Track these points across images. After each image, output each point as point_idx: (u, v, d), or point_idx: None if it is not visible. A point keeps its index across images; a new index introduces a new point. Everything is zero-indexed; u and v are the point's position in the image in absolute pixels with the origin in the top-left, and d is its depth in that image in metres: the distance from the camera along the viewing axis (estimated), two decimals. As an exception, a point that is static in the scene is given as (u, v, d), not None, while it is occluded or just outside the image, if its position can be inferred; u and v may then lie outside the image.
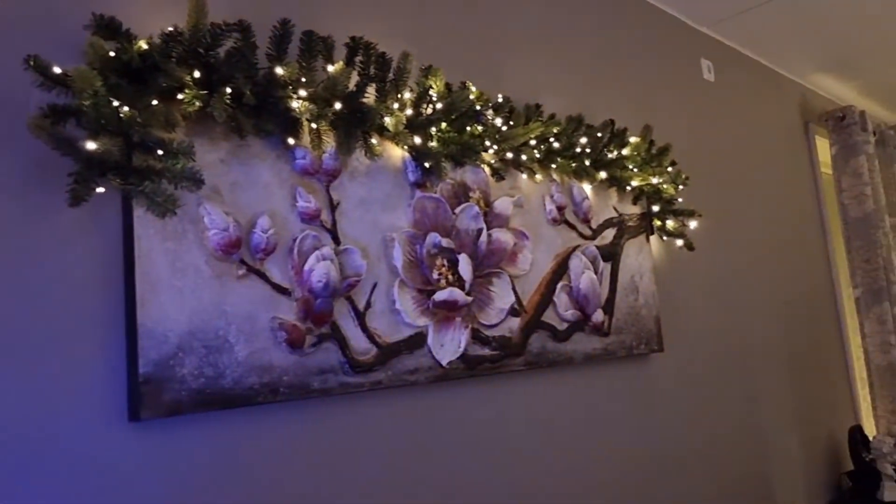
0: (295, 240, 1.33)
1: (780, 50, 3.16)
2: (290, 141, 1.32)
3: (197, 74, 1.16)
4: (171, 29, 1.15)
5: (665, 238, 2.30)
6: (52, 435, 1.04)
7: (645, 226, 2.19)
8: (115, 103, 1.05)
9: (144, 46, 1.10)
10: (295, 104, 1.28)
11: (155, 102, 1.09)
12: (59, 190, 1.06)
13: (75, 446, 1.06)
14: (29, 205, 1.06)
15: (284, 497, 1.28)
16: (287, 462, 1.29)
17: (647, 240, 2.20)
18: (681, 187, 2.27)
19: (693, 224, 2.31)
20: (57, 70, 1.03)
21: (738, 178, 2.85)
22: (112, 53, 1.07)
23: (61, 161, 1.05)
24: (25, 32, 1.09)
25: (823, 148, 3.54)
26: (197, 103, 1.15)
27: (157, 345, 1.12)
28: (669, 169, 2.24)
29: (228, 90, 1.18)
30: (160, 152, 1.10)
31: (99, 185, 1.07)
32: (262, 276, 1.28)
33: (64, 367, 1.07)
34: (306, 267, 1.33)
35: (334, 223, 1.40)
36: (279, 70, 1.25)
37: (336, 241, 1.40)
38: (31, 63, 1.01)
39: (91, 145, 1.02)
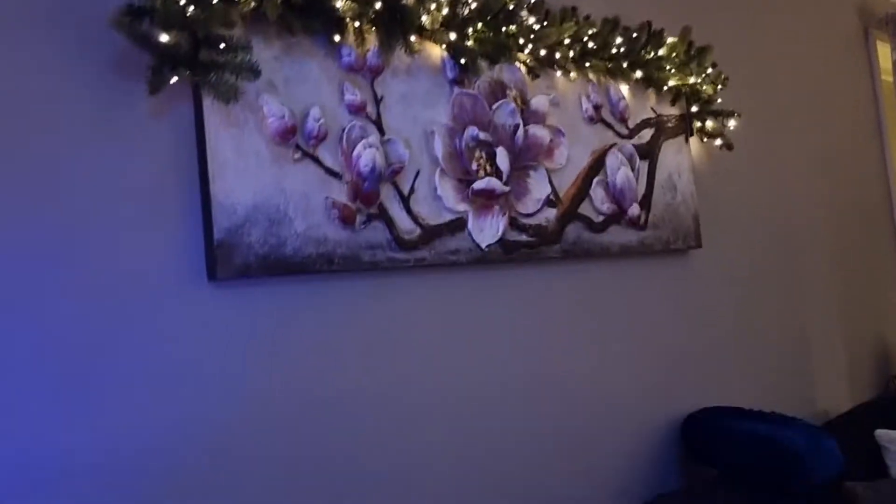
0: (343, 129, 1.49)
1: (836, -50, 3.08)
2: (336, 38, 1.46)
3: (251, -23, 1.31)
4: (227, -64, 1.30)
5: (705, 140, 2.35)
6: (145, 293, 1.25)
7: (684, 126, 2.26)
8: (182, 2, 1.21)
9: (205, -48, 1.25)
10: (338, 4, 1.41)
11: (215, 2, 1.25)
12: (139, 83, 1.24)
13: (165, 301, 1.27)
14: (115, 96, 1.25)
15: (334, 360, 1.47)
16: (339, 329, 1.48)
17: (686, 140, 2.26)
18: (720, 88, 2.31)
19: (732, 124, 2.36)
20: (132, -26, 1.19)
21: (789, 83, 2.83)
22: (178, -41, 1.23)
23: (140, 58, 1.23)
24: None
25: (885, 54, 3.45)
26: (252, 3, 1.31)
27: (227, 215, 1.31)
28: (709, 70, 2.28)
29: (279, -9, 1.33)
30: (222, 47, 1.26)
31: (172, 76, 1.24)
32: (316, 159, 1.44)
33: (152, 235, 1.27)
34: (354, 153, 1.49)
35: (379, 116, 1.55)
36: (323, -28, 1.38)
37: (381, 131, 1.55)
38: (111, -32, 1.17)
39: (164, 37, 1.20)
